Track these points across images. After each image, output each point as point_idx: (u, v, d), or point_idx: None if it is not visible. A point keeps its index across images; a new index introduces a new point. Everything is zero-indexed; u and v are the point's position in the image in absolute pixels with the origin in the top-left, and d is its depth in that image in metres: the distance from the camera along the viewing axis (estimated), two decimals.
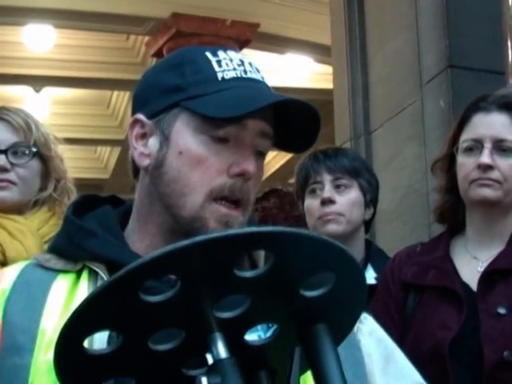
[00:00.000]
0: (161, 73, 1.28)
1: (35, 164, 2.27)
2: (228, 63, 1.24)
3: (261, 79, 1.27)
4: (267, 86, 1.27)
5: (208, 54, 1.25)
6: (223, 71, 1.23)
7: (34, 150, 2.26)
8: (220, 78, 1.22)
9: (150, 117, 1.26)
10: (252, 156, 1.23)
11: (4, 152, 2.23)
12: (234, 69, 1.23)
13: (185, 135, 1.22)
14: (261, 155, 1.26)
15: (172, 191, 1.23)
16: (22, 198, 2.26)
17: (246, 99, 1.19)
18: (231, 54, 1.26)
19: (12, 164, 2.23)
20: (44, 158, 2.29)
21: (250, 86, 1.23)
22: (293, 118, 1.23)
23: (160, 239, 1.26)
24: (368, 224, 2.70)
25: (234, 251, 0.77)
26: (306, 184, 2.60)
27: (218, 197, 1.21)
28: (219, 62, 1.24)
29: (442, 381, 2.01)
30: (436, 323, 2.11)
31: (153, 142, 1.25)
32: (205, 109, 1.20)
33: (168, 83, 1.25)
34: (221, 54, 1.25)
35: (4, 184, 2.22)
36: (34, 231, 2.21)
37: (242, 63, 1.25)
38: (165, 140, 1.24)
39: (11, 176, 2.23)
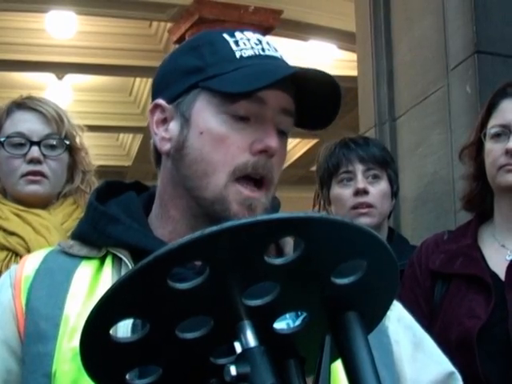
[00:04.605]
0: (179, 57, 1.28)
1: (65, 156, 2.26)
2: (245, 42, 1.24)
3: (279, 57, 1.26)
4: (286, 63, 1.26)
5: (225, 36, 1.25)
6: (241, 50, 1.23)
7: (67, 142, 2.25)
8: (238, 57, 1.22)
9: (169, 101, 1.25)
10: (274, 132, 1.21)
11: (37, 144, 2.21)
12: (252, 47, 1.23)
13: (205, 115, 1.21)
14: (283, 134, 1.24)
15: (194, 172, 1.22)
16: (51, 191, 2.25)
17: (263, 74, 1.18)
18: (248, 34, 1.26)
19: (44, 156, 2.22)
20: (72, 150, 2.28)
21: (268, 62, 1.23)
22: (313, 95, 1.22)
23: (183, 225, 1.25)
24: (389, 214, 2.70)
25: (264, 237, 0.76)
26: (335, 172, 2.57)
27: (241, 175, 1.20)
28: (237, 42, 1.24)
29: (470, 369, 1.99)
30: (464, 312, 2.09)
31: (173, 126, 1.25)
32: (222, 86, 1.20)
33: (186, 65, 1.25)
34: (238, 34, 1.25)
35: (38, 178, 2.21)
36: (58, 226, 2.20)
37: (260, 42, 1.25)
38: (185, 122, 1.23)
39: (44, 169, 2.21)
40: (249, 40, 1.24)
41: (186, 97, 1.23)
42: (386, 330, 1.26)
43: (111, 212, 1.25)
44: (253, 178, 1.21)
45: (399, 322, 1.29)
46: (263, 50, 1.24)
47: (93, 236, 1.25)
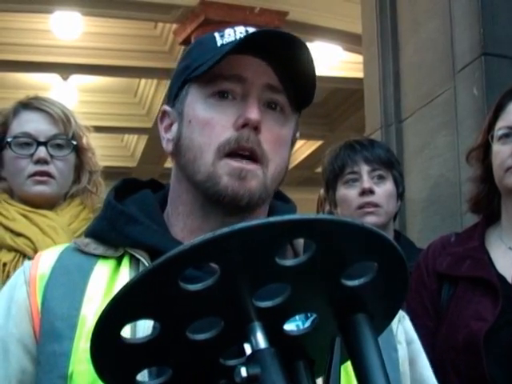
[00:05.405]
0: (177, 64, 1.32)
1: (72, 157, 2.26)
2: (231, 33, 1.25)
3: None
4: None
5: (215, 33, 1.27)
6: (223, 39, 1.24)
7: (74, 143, 2.25)
8: (219, 45, 1.23)
9: (172, 105, 1.29)
10: (255, 105, 1.21)
11: (44, 144, 2.21)
12: (235, 35, 1.24)
13: (194, 105, 1.24)
14: (275, 109, 1.24)
15: (188, 160, 1.24)
16: (58, 192, 2.25)
17: (229, 48, 1.19)
18: (238, 28, 1.27)
19: (51, 156, 2.21)
20: (79, 151, 2.28)
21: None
22: (300, 72, 1.22)
23: (193, 219, 1.25)
24: (395, 216, 2.70)
25: (276, 239, 0.76)
26: (341, 173, 2.58)
27: (226, 152, 1.20)
28: (222, 36, 1.25)
29: (477, 372, 1.99)
30: (471, 314, 2.08)
31: (175, 126, 1.28)
32: (199, 71, 1.22)
33: (180, 68, 1.29)
34: (227, 30, 1.26)
35: (45, 178, 2.20)
36: (65, 227, 2.20)
37: (246, 32, 1.25)
38: (180, 117, 1.26)
39: (51, 169, 2.21)
40: (235, 31, 1.25)
41: (180, 95, 1.27)
42: (396, 345, 1.27)
43: (129, 211, 1.25)
44: (241, 155, 1.21)
45: (407, 335, 1.31)
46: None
47: (111, 235, 1.24)
